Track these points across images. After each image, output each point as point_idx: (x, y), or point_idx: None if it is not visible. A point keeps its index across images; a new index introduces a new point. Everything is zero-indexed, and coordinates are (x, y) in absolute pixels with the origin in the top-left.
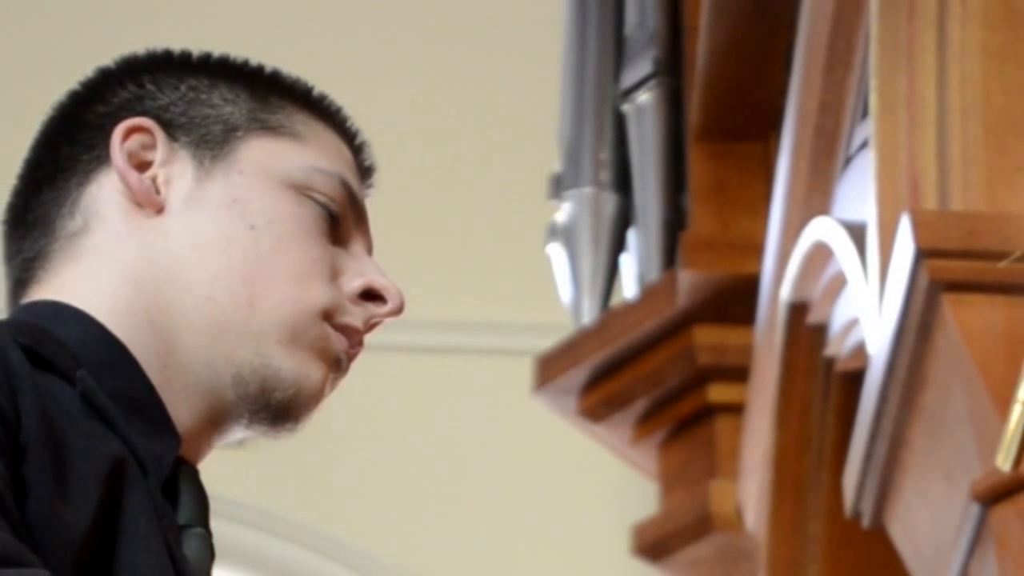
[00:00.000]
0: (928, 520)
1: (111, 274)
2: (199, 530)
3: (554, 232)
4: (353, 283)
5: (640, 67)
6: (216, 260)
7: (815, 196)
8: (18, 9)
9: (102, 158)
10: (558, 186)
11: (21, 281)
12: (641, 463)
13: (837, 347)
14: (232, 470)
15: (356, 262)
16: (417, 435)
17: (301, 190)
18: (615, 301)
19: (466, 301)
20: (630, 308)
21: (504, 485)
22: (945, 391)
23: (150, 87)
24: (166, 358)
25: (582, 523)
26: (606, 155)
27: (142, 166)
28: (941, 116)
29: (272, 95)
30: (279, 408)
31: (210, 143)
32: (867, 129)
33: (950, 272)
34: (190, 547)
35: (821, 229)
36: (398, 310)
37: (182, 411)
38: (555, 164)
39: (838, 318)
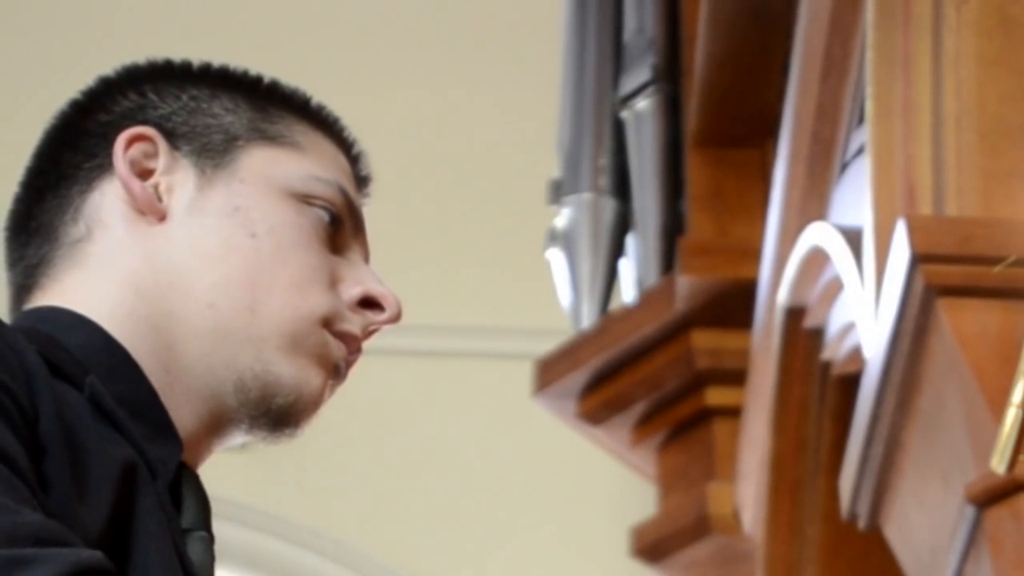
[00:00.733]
0: (923, 522)
1: (114, 281)
2: (202, 533)
3: (554, 237)
4: (352, 291)
5: (639, 74)
6: (218, 267)
7: (812, 201)
8: (20, 16)
9: (104, 166)
10: (557, 191)
11: (24, 287)
12: (640, 465)
13: (833, 351)
14: (233, 471)
15: (354, 270)
16: (417, 438)
17: (301, 198)
18: (614, 305)
19: (466, 305)
20: (629, 312)
21: (504, 487)
22: (940, 394)
23: (152, 96)
24: (168, 364)
25: (581, 525)
26: (605, 161)
27: (144, 174)
28: (936, 122)
29: (272, 105)
30: (279, 414)
31: (211, 152)
32: (863, 135)
33: (945, 277)
34: (193, 551)
35: (818, 234)
36: (395, 318)
37: (184, 416)
38: (554, 170)
39: (834, 322)
